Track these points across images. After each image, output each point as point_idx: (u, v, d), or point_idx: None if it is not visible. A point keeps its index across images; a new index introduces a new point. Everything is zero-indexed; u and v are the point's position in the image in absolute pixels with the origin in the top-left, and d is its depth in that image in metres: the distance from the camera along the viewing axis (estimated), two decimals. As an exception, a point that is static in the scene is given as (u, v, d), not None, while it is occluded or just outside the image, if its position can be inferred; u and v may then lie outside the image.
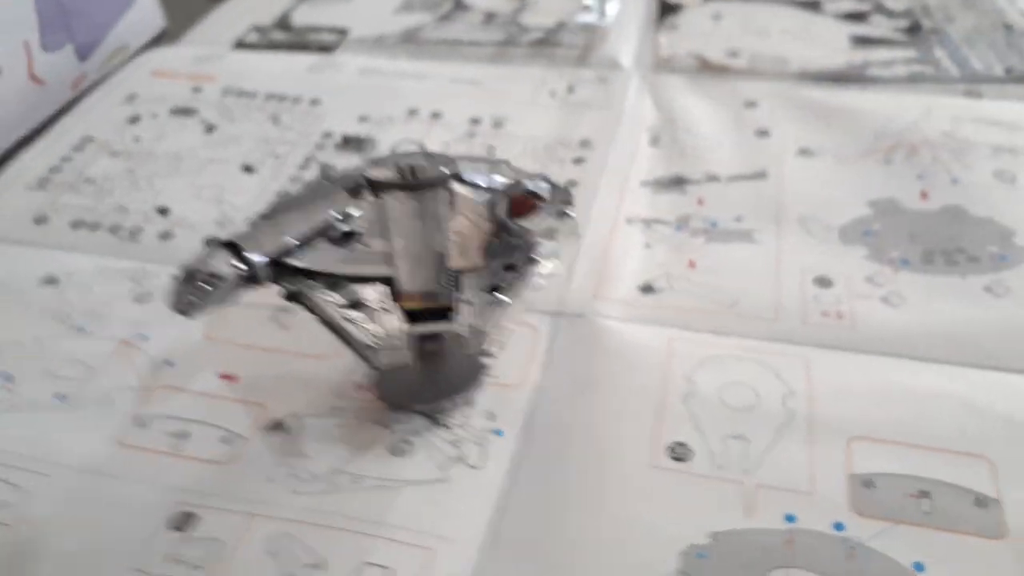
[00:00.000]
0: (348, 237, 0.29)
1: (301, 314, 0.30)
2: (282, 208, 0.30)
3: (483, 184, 0.31)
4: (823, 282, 0.39)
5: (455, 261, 0.27)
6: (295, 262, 0.28)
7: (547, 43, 0.59)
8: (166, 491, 0.31)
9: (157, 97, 0.54)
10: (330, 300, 0.26)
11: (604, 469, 0.32)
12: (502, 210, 0.29)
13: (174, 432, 0.33)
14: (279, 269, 0.28)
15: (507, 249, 0.28)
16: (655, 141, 0.49)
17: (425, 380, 0.34)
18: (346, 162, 0.47)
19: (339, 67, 0.57)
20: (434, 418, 0.34)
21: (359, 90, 0.54)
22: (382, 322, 0.25)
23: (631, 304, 0.38)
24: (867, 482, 0.31)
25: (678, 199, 0.44)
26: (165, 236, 0.43)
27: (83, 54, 0.55)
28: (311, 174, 0.47)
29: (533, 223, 0.29)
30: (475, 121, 0.51)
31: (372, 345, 0.25)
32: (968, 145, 0.47)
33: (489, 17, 0.62)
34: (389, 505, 0.31)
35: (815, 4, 0.62)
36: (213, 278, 0.27)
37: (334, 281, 0.27)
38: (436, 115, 0.51)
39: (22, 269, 0.41)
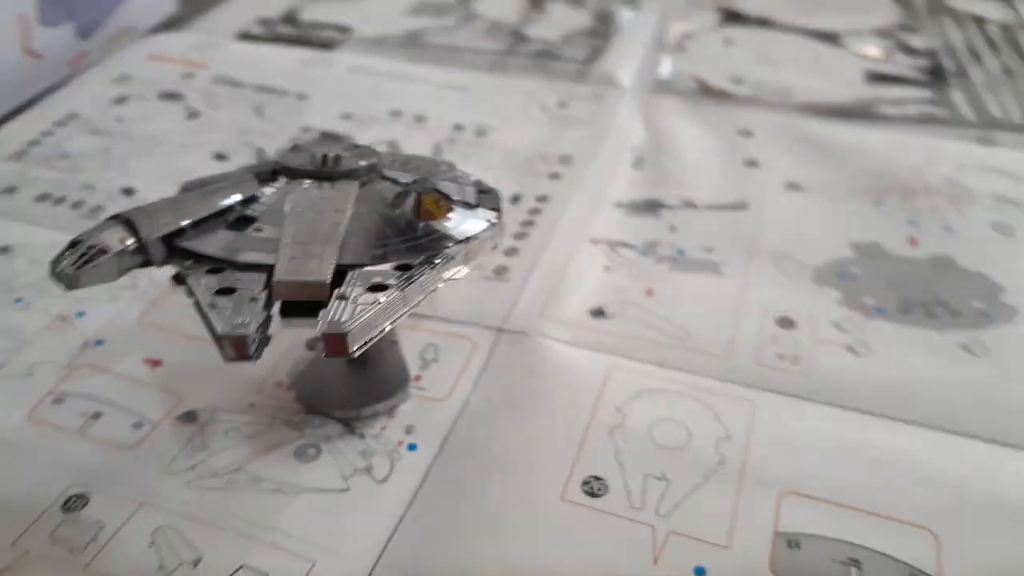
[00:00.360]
0: (244, 222, 0.28)
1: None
2: (189, 189, 0.29)
3: (403, 181, 0.29)
4: (785, 322, 0.37)
5: (341, 255, 0.26)
6: (184, 243, 0.27)
7: (547, 56, 0.57)
8: (65, 470, 0.30)
9: (148, 80, 0.54)
10: (204, 285, 0.25)
11: (513, 497, 0.30)
12: (407, 207, 0.28)
13: (87, 412, 0.32)
14: (172, 250, 0.28)
15: (407, 249, 0.26)
16: (638, 163, 0.47)
17: (347, 386, 0.33)
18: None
19: (331, 63, 0.56)
20: (349, 426, 0.32)
21: (348, 87, 0.54)
22: (246, 311, 0.24)
23: (577, 327, 0.37)
24: (793, 542, 0.29)
25: (650, 224, 0.43)
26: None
27: (84, 32, 0.55)
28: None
29: (445, 225, 0.27)
30: (458, 127, 0.50)
31: (223, 335, 0.23)
32: (969, 193, 0.44)
33: (494, 26, 0.61)
34: (281, 510, 0.29)
35: (834, 37, 0.60)
36: (96, 250, 0.26)
37: (217, 266, 0.26)
38: (419, 118, 0.50)
39: (-23, 236, 0.41)
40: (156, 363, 0.35)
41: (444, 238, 0.27)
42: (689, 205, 0.44)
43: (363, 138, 0.48)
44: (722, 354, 0.35)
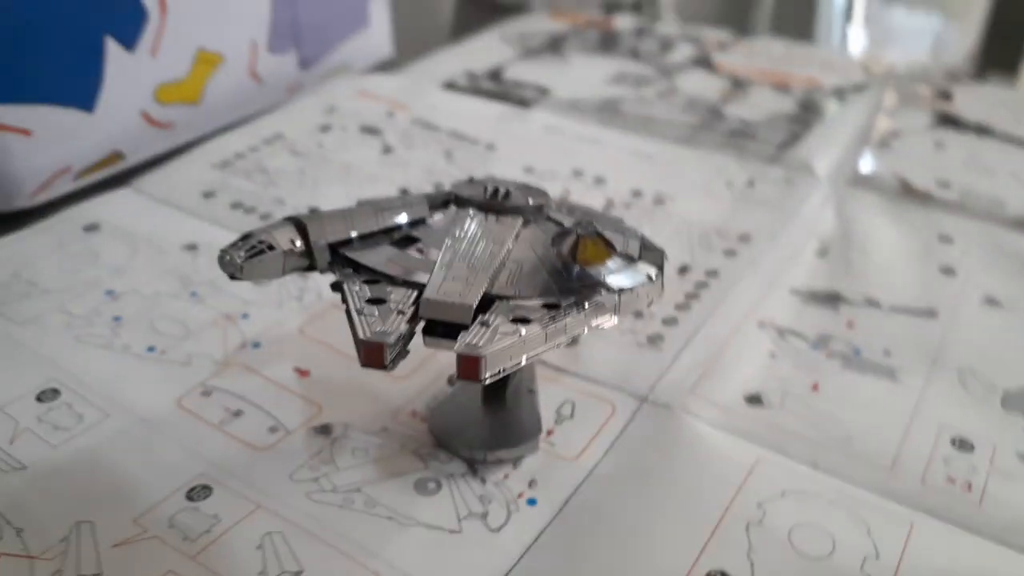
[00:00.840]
0: (407, 241, 0.28)
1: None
2: (363, 205, 0.30)
3: (567, 224, 0.29)
4: (963, 444, 0.33)
5: (492, 284, 0.26)
6: (349, 253, 0.27)
7: (742, 135, 0.56)
8: (197, 460, 0.31)
9: (353, 113, 0.57)
10: (358, 293, 0.25)
11: (630, 574, 0.28)
12: (566, 247, 0.27)
13: (231, 408, 0.34)
14: (336, 258, 0.28)
15: (559, 289, 0.26)
16: (823, 252, 0.44)
17: (479, 425, 0.33)
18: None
19: (525, 120, 0.57)
20: (474, 467, 0.32)
21: (536, 143, 0.54)
22: (391, 322, 0.24)
23: (729, 410, 0.34)
24: None
25: (827, 316, 0.40)
26: (303, 232, 0.45)
27: (305, 63, 0.59)
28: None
29: (601, 271, 0.26)
30: (636, 193, 0.49)
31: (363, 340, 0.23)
32: None
33: (693, 102, 0.61)
34: (391, 539, 0.29)
35: (1063, 153, 0.55)
36: (265, 245, 0.27)
37: (373, 278, 0.26)
38: (599, 180, 0.50)
39: (173, 231, 0.44)
40: (304, 373, 0.36)
41: (598, 284, 0.26)
42: (872, 303, 0.41)
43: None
44: (886, 466, 0.32)
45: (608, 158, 0.52)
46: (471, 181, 0.32)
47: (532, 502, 0.30)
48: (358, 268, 0.27)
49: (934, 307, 0.40)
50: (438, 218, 0.30)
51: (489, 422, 0.32)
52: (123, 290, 0.40)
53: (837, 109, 0.61)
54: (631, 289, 0.26)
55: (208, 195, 0.48)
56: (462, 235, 0.28)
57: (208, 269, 0.41)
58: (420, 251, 0.28)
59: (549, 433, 0.33)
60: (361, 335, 0.23)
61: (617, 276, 0.27)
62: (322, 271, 0.29)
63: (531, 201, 0.30)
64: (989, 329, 0.39)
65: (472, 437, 0.32)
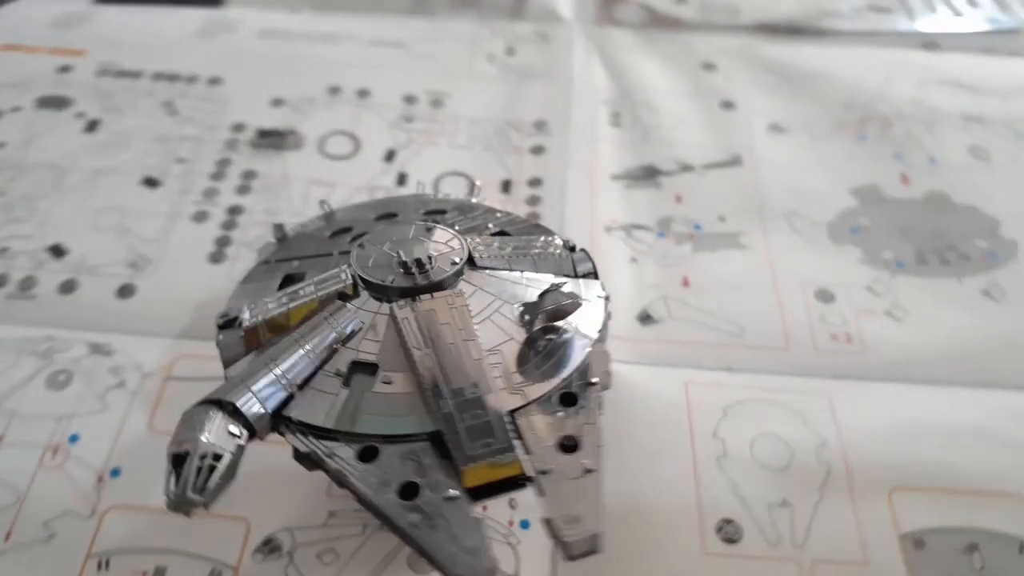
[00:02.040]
0: (361, 369, 0.23)
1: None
2: (265, 331, 0.24)
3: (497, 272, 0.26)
4: (824, 296, 0.37)
5: (504, 398, 0.23)
6: (294, 414, 0.22)
7: (471, -11, 0.51)
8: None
9: (16, 82, 0.44)
10: (374, 484, 0.21)
11: (655, 562, 0.29)
12: (542, 321, 0.24)
13: (147, 571, 0.28)
14: (277, 419, 0.23)
15: (549, 367, 0.24)
16: (616, 121, 0.44)
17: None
18: (266, 164, 0.40)
19: (234, 28, 0.47)
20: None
21: (265, 61, 0.46)
22: (469, 530, 0.20)
23: (635, 340, 0.35)
24: (917, 542, 0.29)
25: (655, 196, 0.40)
26: (67, 288, 0.35)
27: None
28: (229, 185, 0.39)
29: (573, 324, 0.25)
30: (409, 99, 0.44)
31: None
32: (938, 115, 0.45)
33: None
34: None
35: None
36: (210, 458, 0.21)
37: (365, 445, 0.22)
38: (363, 93, 0.44)
39: None
40: (197, 481, 0.30)
41: (577, 337, 0.24)
42: (686, 167, 0.42)
43: (311, 131, 0.42)
44: (781, 347, 0.35)
45: (355, 59, 0.46)
46: (342, 231, 0.26)
47: (525, 525, 0.29)
48: (322, 433, 0.22)
49: (736, 153, 0.42)
50: (362, 316, 0.25)
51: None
52: None
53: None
54: (604, 327, 0.25)
55: None
56: (422, 346, 0.23)
57: (-22, 389, 0.32)
58: (387, 382, 0.23)
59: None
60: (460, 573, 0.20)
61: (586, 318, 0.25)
62: (263, 437, 0.23)
63: (455, 264, 0.25)
64: (787, 161, 0.42)
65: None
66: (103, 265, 0.36)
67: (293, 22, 0.48)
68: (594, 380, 0.24)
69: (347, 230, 0.29)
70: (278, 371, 0.23)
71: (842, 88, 0.46)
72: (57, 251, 0.36)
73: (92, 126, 0.42)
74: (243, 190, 0.39)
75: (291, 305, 0.25)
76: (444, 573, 0.20)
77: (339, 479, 0.22)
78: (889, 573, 0.28)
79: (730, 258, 0.38)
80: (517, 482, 0.22)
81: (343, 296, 0.25)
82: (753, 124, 0.44)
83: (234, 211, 0.38)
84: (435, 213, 0.30)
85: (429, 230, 0.27)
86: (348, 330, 0.24)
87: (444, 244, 0.26)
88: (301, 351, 0.23)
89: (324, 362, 0.24)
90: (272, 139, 0.41)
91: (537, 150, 0.42)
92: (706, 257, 0.38)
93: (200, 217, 0.38)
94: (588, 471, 0.22)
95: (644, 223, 0.39)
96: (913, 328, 0.36)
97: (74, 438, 0.31)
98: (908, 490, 0.31)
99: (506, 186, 0.40)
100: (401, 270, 0.25)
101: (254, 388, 0.22)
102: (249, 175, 0.40)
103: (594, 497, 0.21)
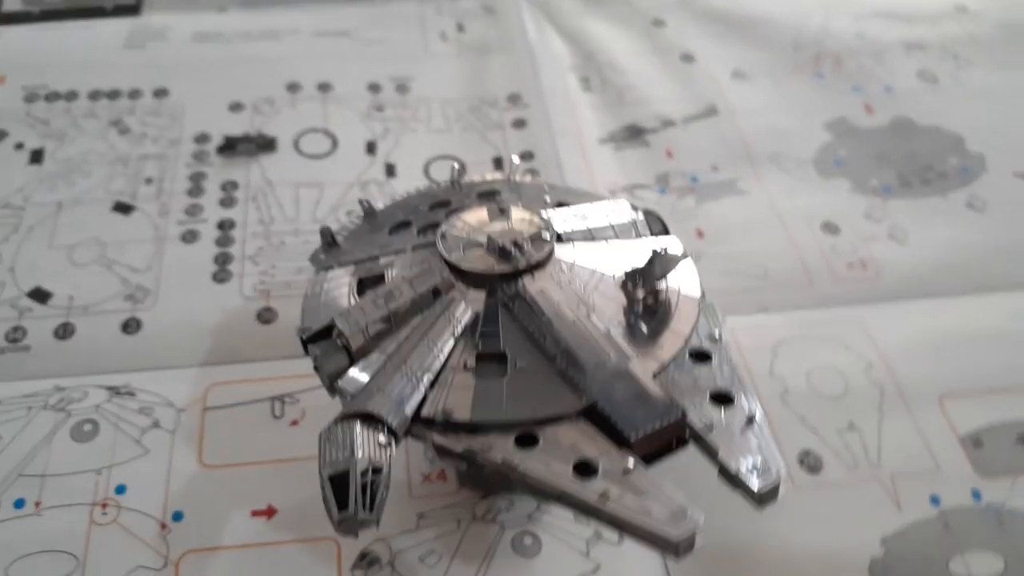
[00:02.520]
0: (485, 359, 0.23)
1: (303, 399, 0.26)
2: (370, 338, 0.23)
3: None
4: (830, 228, 0.38)
5: (641, 363, 0.22)
6: (439, 414, 0.21)
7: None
8: None
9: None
10: (521, 460, 0.20)
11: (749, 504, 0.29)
12: (647, 282, 0.24)
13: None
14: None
15: (651, 331, 0.24)
16: (586, 85, 0.44)
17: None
18: (243, 172, 0.38)
19: (163, 35, 0.44)
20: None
21: (209, 66, 0.43)
22: (668, 500, 0.20)
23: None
24: (976, 441, 0.31)
25: (646, 155, 0.41)
26: (63, 333, 0.32)
27: None
28: (210, 200, 0.36)
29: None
30: (374, 88, 0.42)
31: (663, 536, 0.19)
32: (881, 46, 0.47)
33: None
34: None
35: None
36: (369, 474, 0.20)
37: (523, 432, 0.21)
38: (324, 87, 0.42)
39: None
40: (269, 512, 0.28)
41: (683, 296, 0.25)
42: (668, 123, 0.42)
43: (283, 132, 0.39)
44: (805, 281, 0.36)
45: (304, 53, 0.44)
46: (439, 233, 0.25)
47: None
48: (472, 428, 0.21)
49: (711, 104, 0.43)
50: (469, 303, 0.24)
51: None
52: None
53: None
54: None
55: None
56: (538, 328, 0.23)
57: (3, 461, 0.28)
58: (519, 367, 0.22)
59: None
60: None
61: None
62: (399, 442, 0.22)
63: (546, 243, 0.25)
64: (758, 106, 0.43)
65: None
66: (96, 303, 0.33)
67: (225, 22, 0.45)
68: (718, 334, 0.24)
69: (406, 224, 0.28)
70: (409, 373, 0.22)
71: (786, 31, 0.47)
72: (40, 295, 0.33)
73: (37, 156, 0.38)
74: (227, 202, 0.37)
75: (391, 307, 0.23)
76: (652, 542, 0.19)
77: (506, 470, 0.21)
78: (958, 474, 0.30)
79: (733, 205, 0.39)
80: (683, 442, 0.22)
81: (436, 292, 0.24)
82: (716, 74, 0.45)
83: (224, 226, 0.36)
84: (487, 195, 0.29)
85: (503, 211, 0.26)
86: (464, 322, 0.23)
87: (527, 223, 0.26)
88: (426, 350, 0.22)
89: (448, 357, 0.23)
90: (243, 145, 0.39)
91: (519, 123, 0.41)
92: (711, 207, 0.39)
93: (189, 237, 0.35)
94: (752, 419, 0.22)
95: (643, 182, 0.39)
96: (915, 247, 0.37)
97: (121, 489, 0.28)
98: (956, 396, 0.32)
99: (498, 163, 0.39)
100: (497, 254, 0.24)
101: (392, 395, 0.21)
102: (229, 186, 0.37)
103: (769, 441, 0.21)
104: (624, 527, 0.20)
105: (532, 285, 0.24)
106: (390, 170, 0.38)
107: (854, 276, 0.36)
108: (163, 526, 0.27)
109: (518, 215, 0.26)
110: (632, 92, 0.44)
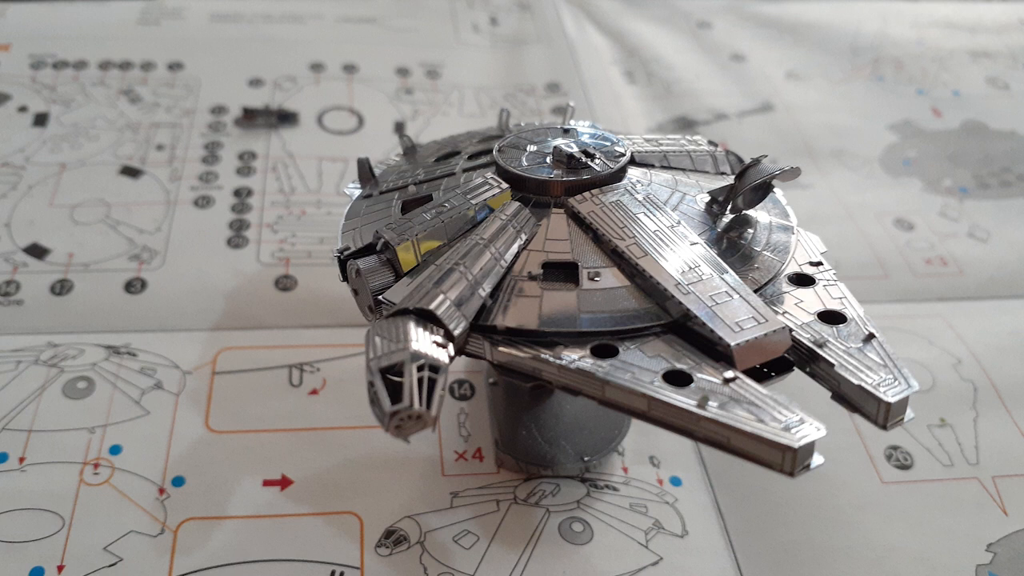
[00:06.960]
0: (553, 268, 0.22)
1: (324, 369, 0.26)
2: (419, 250, 0.22)
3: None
4: (904, 225, 0.37)
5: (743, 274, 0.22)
6: (505, 322, 0.20)
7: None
8: None
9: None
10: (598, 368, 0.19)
11: (836, 497, 0.28)
12: (747, 198, 0.24)
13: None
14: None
15: (743, 254, 0.23)
16: (631, 78, 0.44)
17: (550, 432, 0.28)
18: (263, 143, 0.37)
19: (180, 15, 0.45)
20: (584, 479, 0.27)
21: (228, 44, 0.43)
22: (767, 404, 0.19)
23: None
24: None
25: (697, 144, 0.41)
26: (59, 289, 0.31)
27: None
28: (227, 168, 0.36)
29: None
30: (403, 72, 0.43)
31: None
32: (945, 53, 0.47)
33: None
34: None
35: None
36: (428, 369, 0.18)
37: (600, 343, 0.20)
38: (350, 68, 0.42)
39: None
40: (283, 483, 0.26)
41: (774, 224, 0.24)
42: (720, 116, 0.42)
43: (306, 106, 0.39)
44: (881, 275, 0.35)
45: (329, 36, 0.44)
46: (502, 142, 0.25)
47: (676, 481, 0.28)
48: (539, 336, 0.20)
49: (766, 100, 0.43)
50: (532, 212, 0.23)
51: (581, 421, 0.28)
52: None
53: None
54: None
55: None
56: (617, 237, 0.22)
57: (-24, 411, 0.27)
58: (594, 277, 0.21)
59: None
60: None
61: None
62: (458, 352, 0.21)
63: (620, 154, 0.24)
64: (816, 104, 0.44)
65: (555, 446, 0.27)
66: (98, 261, 0.32)
67: (245, 5, 0.46)
68: (820, 260, 0.23)
69: (454, 154, 0.27)
70: (470, 276, 0.21)
71: (842, 36, 0.48)
72: (36, 251, 0.32)
73: (41, 119, 0.38)
74: (245, 171, 0.36)
75: (443, 218, 0.22)
76: (760, 457, 0.18)
77: (579, 385, 0.19)
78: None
79: (798, 197, 0.38)
80: (786, 367, 0.20)
81: (492, 207, 0.23)
82: (770, 73, 0.45)
83: (241, 193, 0.35)
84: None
85: (567, 131, 0.25)
86: (527, 231, 0.22)
87: (597, 139, 0.25)
88: (488, 255, 0.21)
89: (510, 266, 0.22)
90: (262, 117, 0.38)
91: (558, 111, 0.41)
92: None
93: (203, 202, 0.35)
94: (872, 335, 0.21)
95: (697, 171, 0.39)
96: (998, 247, 0.37)
97: (115, 449, 0.27)
98: (1054, 396, 0.31)
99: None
100: (566, 164, 0.23)
101: (449, 295, 0.20)
102: (248, 156, 0.37)
103: (894, 358, 0.20)
104: (725, 441, 0.18)
105: (607, 196, 0.23)
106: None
107: (933, 271, 0.35)
108: (161, 491, 0.26)
109: (588, 132, 0.25)
110: (680, 85, 0.44)
